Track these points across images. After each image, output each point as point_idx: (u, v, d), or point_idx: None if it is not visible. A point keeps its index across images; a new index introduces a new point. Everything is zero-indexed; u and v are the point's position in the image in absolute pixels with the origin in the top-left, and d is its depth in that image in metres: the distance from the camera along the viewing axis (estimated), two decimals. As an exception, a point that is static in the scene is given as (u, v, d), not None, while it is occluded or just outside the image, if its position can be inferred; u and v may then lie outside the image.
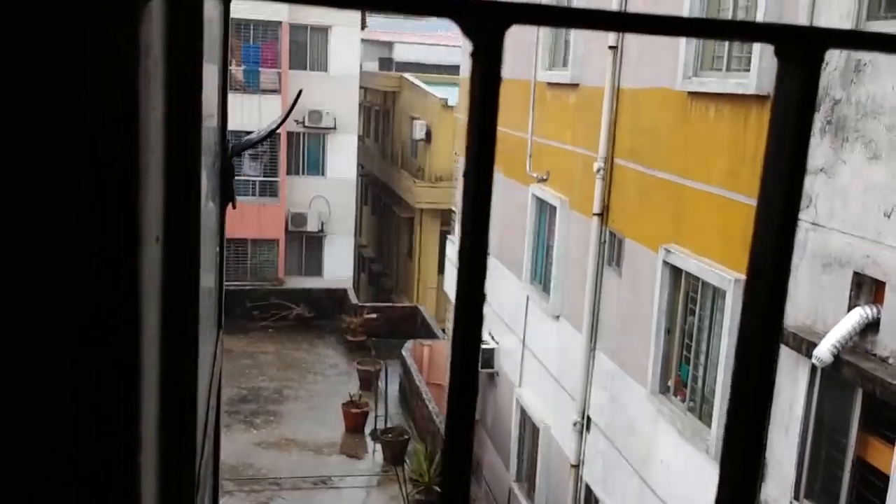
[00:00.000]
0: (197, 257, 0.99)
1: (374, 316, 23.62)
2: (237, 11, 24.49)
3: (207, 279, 1.64)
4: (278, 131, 25.78)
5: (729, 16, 8.31)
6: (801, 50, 0.47)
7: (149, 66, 0.60)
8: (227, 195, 1.93)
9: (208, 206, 1.63)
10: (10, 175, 0.51)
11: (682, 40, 8.77)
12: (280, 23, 25.99)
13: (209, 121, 1.62)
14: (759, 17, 7.51)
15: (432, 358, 19.74)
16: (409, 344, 20.52)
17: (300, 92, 3.42)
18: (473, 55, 0.40)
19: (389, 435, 17.26)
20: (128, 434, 0.61)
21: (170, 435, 0.98)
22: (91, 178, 0.53)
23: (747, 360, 0.50)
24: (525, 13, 0.41)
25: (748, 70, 7.79)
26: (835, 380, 6.57)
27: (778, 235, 0.47)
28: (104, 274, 0.56)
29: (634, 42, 10.12)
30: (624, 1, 10.22)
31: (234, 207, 2.03)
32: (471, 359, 0.44)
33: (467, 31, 0.39)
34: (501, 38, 0.40)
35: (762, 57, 7.46)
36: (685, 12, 8.71)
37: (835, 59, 6.64)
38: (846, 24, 6.51)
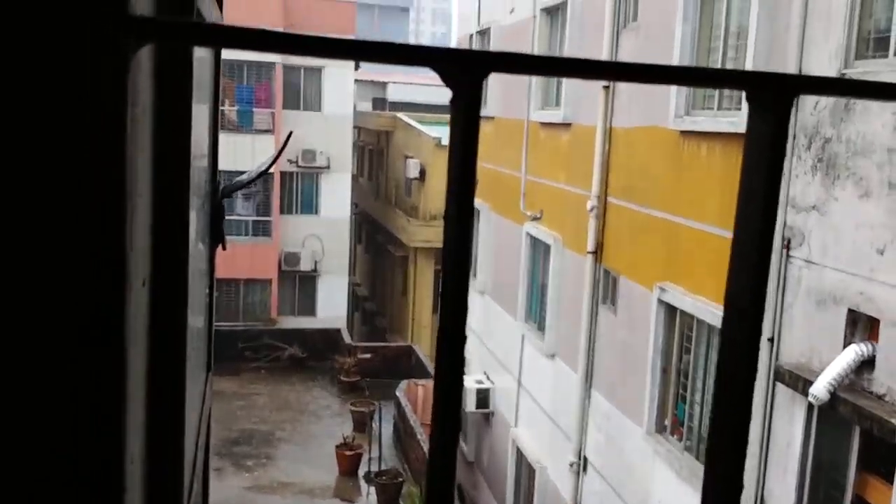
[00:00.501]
0: (184, 300, 0.99)
1: (368, 356, 23.50)
2: (231, 52, 24.71)
3: (196, 321, 1.62)
4: (271, 171, 25.87)
5: (719, 53, 8.41)
6: (772, 96, 0.47)
7: (136, 113, 0.61)
8: (216, 236, 1.92)
9: (198, 248, 1.63)
10: None
11: (673, 80, 8.86)
12: (274, 64, 26.23)
13: (199, 161, 1.61)
14: (749, 55, 7.60)
15: (427, 398, 19.61)
16: (403, 384, 20.39)
17: (290, 134, 3.43)
18: (453, 102, 0.40)
19: (384, 477, 17.07)
20: (113, 479, 0.60)
21: (156, 477, 0.96)
22: (77, 222, 0.54)
23: (727, 396, 0.49)
24: (502, 62, 0.41)
25: (739, 109, 7.87)
26: (832, 418, 6.53)
27: (754, 276, 0.47)
28: (90, 317, 0.56)
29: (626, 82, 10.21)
30: (615, 39, 10.35)
31: (223, 248, 2.02)
32: (454, 395, 0.43)
33: (447, 79, 0.40)
34: (480, 86, 0.40)
35: (753, 96, 7.53)
36: (676, 50, 8.81)
37: (824, 97, 6.71)
38: (835, 63, 6.59)
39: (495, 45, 15.03)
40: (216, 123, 2.00)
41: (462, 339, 0.44)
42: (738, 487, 0.51)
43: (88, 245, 0.55)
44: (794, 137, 6.91)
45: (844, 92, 0.51)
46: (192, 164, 1.34)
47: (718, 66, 8.41)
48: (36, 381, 0.56)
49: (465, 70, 0.40)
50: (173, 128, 0.89)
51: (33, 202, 0.53)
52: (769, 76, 0.47)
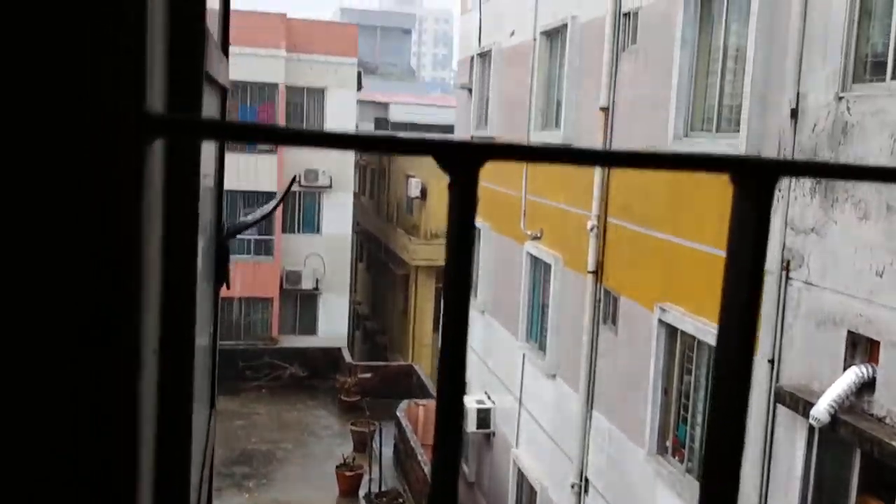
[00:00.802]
0: (190, 367, 1.01)
1: (368, 375, 23.46)
2: (235, 73, 24.82)
3: (200, 363, 1.65)
4: (274, 189, 25.93)
5: (718, 76, 8.46)
6: (755, 179, 0.49)
7: (150, 197, 0.64)
8: (221, 277, 1.94)
9: (202, 289, 1.65)
10: (15, 295, 0.54)
11: (673, 101, 8.93)
12: (277, 85, 26.37)
13: (205, 203, 1.65)
14: (748, 79, 7.65)
15: (427, 418, 19.55)
16: (404, 404, 20.34)
17: (294, 178, 3.48)
18: (451, 186, 0.43)
19: (384, 498, 17.00)
20: None
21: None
22: (94, 301, 0.56)
23: (721, 422, 0.51)
24: (497, 151, 0.44)
25: (738, 131, 7.91)
26: (833, 440, 6.53)
27: (737, 355, 0.50)
28: (106, 388, 0.58)
29: (625, 104, 10.28)
30: (614, 62, 10.42)
31: (228, 288, 2.04)
32: (455, 415, 0.45)
33: (445, 167, 0.43)
34: (476, 173, 0.43)
35: (751, 118, 7.58)
36: (675, 73, 8.87)
37: (822, 120, 6.75)
38: (833, 87, 6.64)
39: (495, 67, 15.13)
40: (222, 159, 2.03)
41: (462, 378, 0.47)
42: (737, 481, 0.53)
43: (104, 321, 0.57)
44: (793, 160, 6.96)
45: (827, 174, 0.54)
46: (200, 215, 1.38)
47: (717, 88, 8.47)
48: (47, 449, 0.58)
49: (462, 159, 0.43)
50: (183, 215, 0.93)
51: (56, 289, 0.56)
52: (752, 161, 0.49)
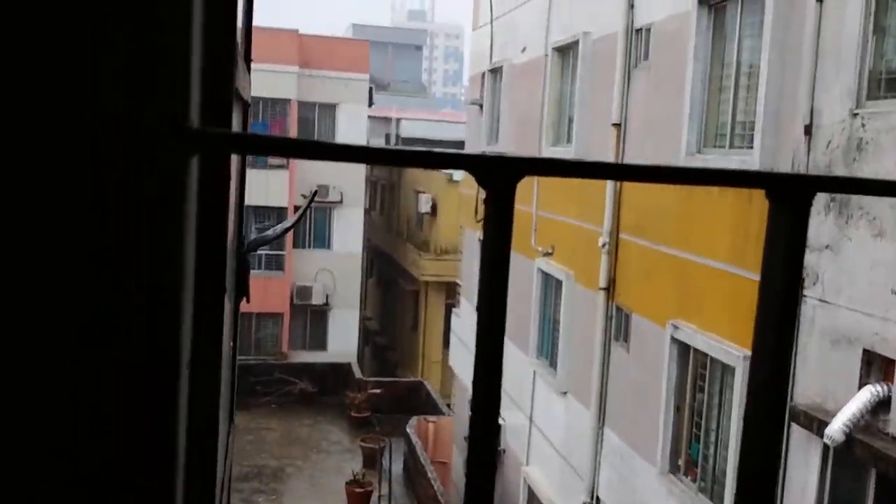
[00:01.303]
0: (217, 381, 1.01)
1: (378, 391, 23.41)
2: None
3: (223, 375, 1.64)
4: (285, 205, 26.02)
5: (731, 92, 8.44)
6: (791, 195, 0.49)
7: (187, 210, 0.64)
8: (241, 290, 1.94)
9: (226, 304, 1.65)
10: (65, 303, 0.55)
11: (686, 118, 8.91)
12: (289, 100, 26.51)
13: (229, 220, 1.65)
14: (761, 94, 7.63)
15: (437, 435, 19.48)
16: (413, 420, 20.27)
17: (315, 192, 3.49)
18: (487, 201, 0.42)
19: (393, 514, 16.91)
20: None
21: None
22: (140, 312, 0.58)
23: (753, 449, 0.50)
24: (533, 166, 0.43)
25: (751, 147, 7.88)
26: (847, 460, 6.45)
27: (773, 382, 0.48)
28: (152, 399, 0.59)
29: (638, 120, 10.27)
30: (626, 78, 10.41)
31: (248, 302, 2.04)
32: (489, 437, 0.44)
33: (482, 182, 0.42)
34: (513, 188, 0.42)
35: (765, 134, 7.55)
36: (687, 89, 8.86)
37: (836, 136, 6.72)
38: (847, 104, 6.61)
39: (507, 82, 15.16)
40: (244, 174, 2.02)
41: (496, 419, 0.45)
42: None
43: (150, 333, 0.58)
44: (807, 176, 6.92)
45: (861, 190, 0.53)
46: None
47: (730, 104, 8.45)
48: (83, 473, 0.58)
49: (500, 174, 0.42)
50: (212, 227, 0.94)
51: (100, 302, 0.56)
52: (788, 177, 0.48)
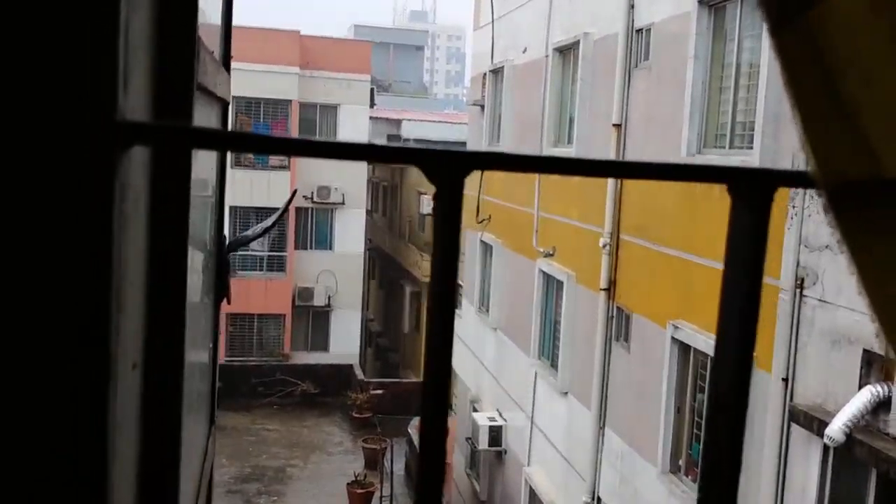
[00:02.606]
0: (179, 380, 1.00)
1: (380, 392, 23.42)
2: (249, 90, 25.04)
3: (200, 376, 1.64)
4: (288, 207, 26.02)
5: (731, 92, 8.44)
6: (753, 189, 0.49)
7: (126, 208, 0.63)
8: (221, 291, 1.93)
9: (202, 303, 1.64)
10: None
11: (686, 118, 8.91)
12: (290, 101, 26.52)
13: (204, 218, 1.64)
14: (761, 94, 7.62)
15: (439, 435, 19.47)
16: (415, 421, 20.27)
17: (294, 192, 3.51)
18: (436, 197, 0.42)
19: (395, 515, 16.92)
20: None
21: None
22: (60, 312, 0.56)
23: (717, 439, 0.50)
24: (482, 160, 0.43)
25: (751, 147, 7.88)
26: (848, 460, 6.45)
27: (736, 369, 0.48)
28: (75, 402, 0.58)
29: (638, 120, 10.27)
30: (627, 79, 10.42)
31: (228, 303, 2.03)
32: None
33: (430, 176, 0.42)
34: (461, 183, 0.42)
35: (765, 134, 7.55)
36: (687, 89, 8.86)
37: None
38: (846, 103, 6.59)
39: (508, 83, 15.16)
40: (224, 177, 2.02)
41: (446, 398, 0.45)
42: None
43: (72, 333, 0.57)
44: (807, 176, 6.92)
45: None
46: (196, 221, 1.37)
47: (730, 105, 8.45)
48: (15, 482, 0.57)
49: (448, 168, 0.42)
50: (170, 222, 0.93)
51: (23, 296, 0.55)
52: (750, 171, 0.49)
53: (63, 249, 0.55)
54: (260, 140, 0.45)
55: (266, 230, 2.96)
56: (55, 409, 0.57)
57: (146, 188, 0.84)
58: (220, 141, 0.44)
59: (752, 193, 0.48)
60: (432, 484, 0.43)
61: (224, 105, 1.83)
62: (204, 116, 1.44)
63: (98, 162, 0.54)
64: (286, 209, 3.21)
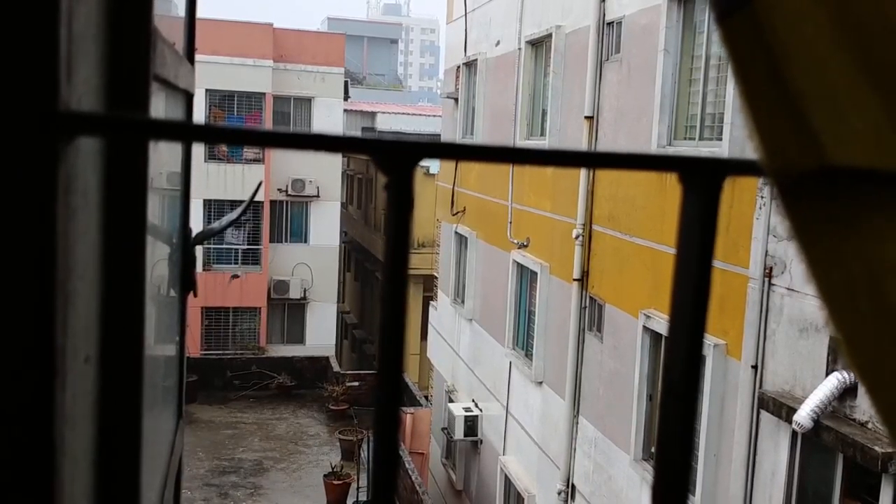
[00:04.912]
0: (139, 373, 0.99)
1: (356, 384, 23.41)
2: (222, 83, 24.85)
3: (165, 368, 1.64)
4: (261, 200, 25.89)
5: (700, 84, 8.53)
6: (703, 178, 0.50)
7: (72, 200, 0.62)
8: (187, 284, 1.94)
9: (167, 297, 1.65)
10: None
11: (657, 110, 8.99)
12: (264, 94, 26.36)
13: (169, 210, 1.65)
14: (730, 86, 7.72)
15: (415, 426, 19.51)
16: (392, 412, 20.26)
17: (260, 184, 3.50)
18: (387, 187, 0.45)
19: (372, 506, 16.94)
20: None
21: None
22: (2, 310, 0.56)
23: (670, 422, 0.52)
24: (431, 150, 0.45)
25: (720, 139, 7.98)
26: (816, 445, 6.58)
27: (687, 358, 0.50)
28: (21, 395, 0.57)
29: (610, 112, 10.35)
30: (598, 71, 10.49)
31: (195, 296, 2.05)
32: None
33: (381, 165, 0.44)
34: (412, 172, 0.44)
35: (734, 126, 7.65)
36: (658, 81, 8.94)
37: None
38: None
39: (481, 76, 15.19)
40: (189, 168, 2.04)
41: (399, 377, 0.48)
42: (685, 491, 0.52)
43: (17, 325, 0.56)
44: (774, 167, 7.02)
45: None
46: (159, 212, 1.38)
47: (700, 96, 8.55)
48: None
49: (397, 158, 0.45)
50: (125, 214, 0.91)
51: None
52: (699, 160, 0.51)
53: (2, 241, 0.54)
54: (211, 130, 0.47)
55: (231, 222, 2.97)
56: None
57: (99, 181, 0.83)
58: (169, 131, 0.46)
59: (703, 181, 0.51)
60: (387, 470, 0.46)
61: (188, 97, 1.84)
62: (165, 108, 1.44)
63: (38, 153, 0.53)
64: (251, 202, 3.21)
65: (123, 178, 0.88)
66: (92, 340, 0.82)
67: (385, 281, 0.45)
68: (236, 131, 0.46)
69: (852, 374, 6.23)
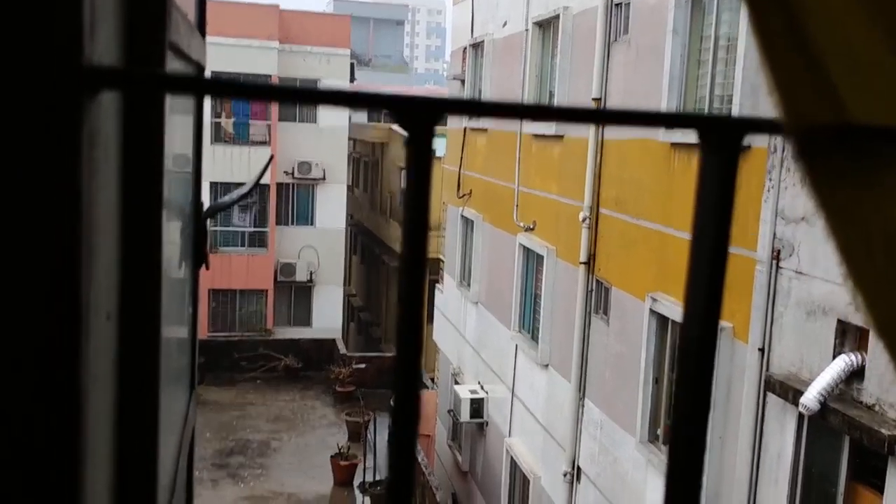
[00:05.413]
0: (156, 331, 0.99)
1: (362, 366, 23.51)
2: (228, 65, 24.80)
3: (178, 339, 1.64)
4: (268, 182, 25.89)
5: (709, 65, 8.47)
6: (721, 136, 0.50)
7: (95, 155, 0.62)
8: (199, 257, 1.94)
9: (181, 269, 1.65)
10: None
11: (665, 92, 8.94)
12: (270, 76, 26.30)
13: (181, 183, 1.65)
14: (739, 66, 7.66)
15: (421, 407, 19.61)
16: (398, 394, 20.35)
17: (271, 157, 3.50)
18: (407, 144, 0.45)
19: (378, 487, 17.06)
20: None
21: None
22: (29, 258, 0.56)
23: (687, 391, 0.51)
24: (451, 106, 0.45)
25: (729, 121, 7.92)
26: (822, 428, 6.57)
27: (703, 324, 0.50)
28: (49, 355, 0.57)
29: (618, 94, 10.29)
30: (606, 52, 10.42)
31: (207, 269, 2.05)
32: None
33: (401, 122, 0.44)
34: (432, 128, 0.44)
35: (742, 107, 7.60)
36: (666, 62, 8.88)
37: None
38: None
39: (488, 57, 15.12)
40: (200, 142, 2.03)
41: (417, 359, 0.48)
42: (699, 477, 0.52)
43: (44, 285, 0.56)
44: (783, 150, 6.98)
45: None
46: (171, 187, 1.38)
47: (708, 77, 8.49)
48: None
49: (418, 114, 0.44)
50: (143, 169, 0.92)
51: None
52: (717, 119, 0.50)
53: (30, 194, 0.55)
54: (231, 86, 0.46)
55: (242, 196, 2.97)
56: (26, 355, 0.56)
57: (118, 136, 0.83)
58: (189, 85, 0.45)
59: (721, 140, 0.50)
60: (405, 452, 0.45)
61: (200, 69, 1.84)
62: None
63: (65, 106, 0.53)
64: (263, 173, 3.21)
65: (142, 133, 0.88)
66: (112, 297, 0.82)
67: (405, 239, 0.45)
68: (251, 86, 0.46)
69: (859, 357, 6.22)
